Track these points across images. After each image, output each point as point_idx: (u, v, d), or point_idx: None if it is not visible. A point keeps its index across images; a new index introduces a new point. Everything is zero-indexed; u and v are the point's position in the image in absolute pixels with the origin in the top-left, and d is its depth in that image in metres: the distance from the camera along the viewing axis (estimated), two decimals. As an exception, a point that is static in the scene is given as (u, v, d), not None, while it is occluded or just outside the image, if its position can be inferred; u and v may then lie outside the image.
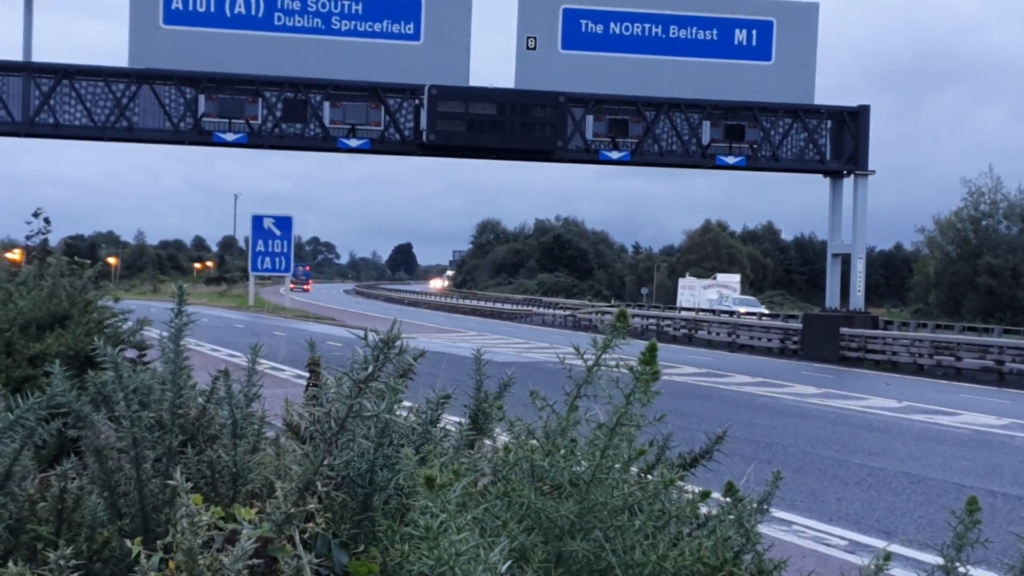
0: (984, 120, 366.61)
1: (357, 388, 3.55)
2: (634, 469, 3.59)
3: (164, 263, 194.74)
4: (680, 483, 3.52)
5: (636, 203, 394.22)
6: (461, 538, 2.64)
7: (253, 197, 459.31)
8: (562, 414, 3.40)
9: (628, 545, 3.21)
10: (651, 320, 79.94)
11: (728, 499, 3.55)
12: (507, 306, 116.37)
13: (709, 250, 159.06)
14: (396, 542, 3.23)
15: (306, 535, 3.30)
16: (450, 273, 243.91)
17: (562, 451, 3.30)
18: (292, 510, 3.30)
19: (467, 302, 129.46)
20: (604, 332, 3.44)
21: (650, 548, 3.17)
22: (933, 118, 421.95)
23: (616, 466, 3.28)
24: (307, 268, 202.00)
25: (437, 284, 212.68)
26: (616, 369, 3.37)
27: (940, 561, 3.49)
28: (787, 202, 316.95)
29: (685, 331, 73.79)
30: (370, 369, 3.57)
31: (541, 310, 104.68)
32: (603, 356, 3.39)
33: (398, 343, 3.62)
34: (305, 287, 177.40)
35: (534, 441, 3.42)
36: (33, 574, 3.15)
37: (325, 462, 3.49)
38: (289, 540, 3.24)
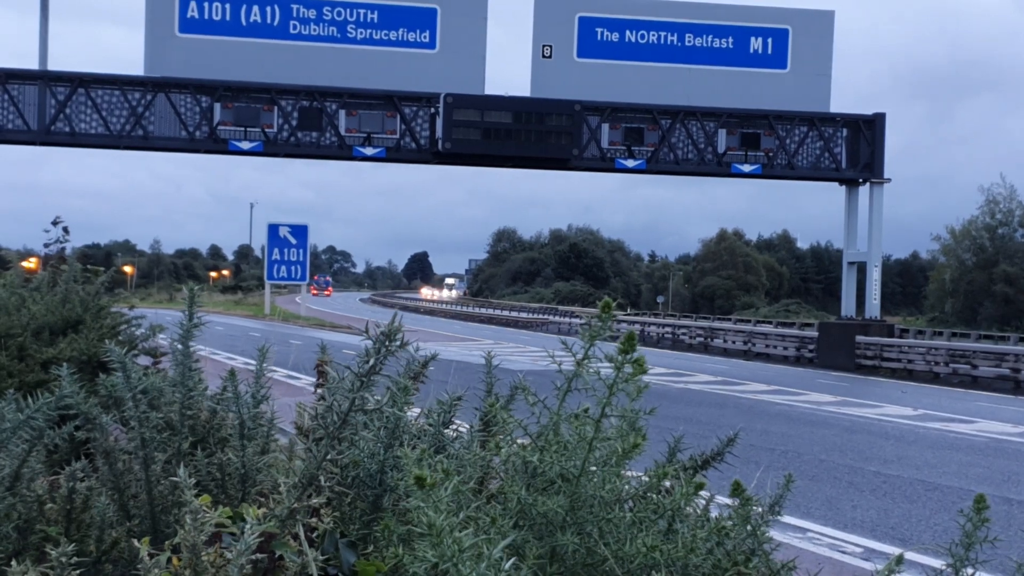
0: (1016, 128, 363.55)
1: (359, 381, 3.54)
2: (639, 472, 3.57)
3: (180, 272, 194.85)
4: (684, 482, 3.50)
5: (658, 212, 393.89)
6: (464, 535, 2.63)
7: (275, 207, 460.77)
8: (553, 409, 3.39)
9: (620, 538, 3.20)
10: (667, 328, 79.85)
11: (737, 499, 3.54)
12: (523, 315, 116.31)
13: (725, 258, 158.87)
14: (393, 542, 3.22)
15: (314, 534, 3.29)
16: (450, 281, 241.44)
17: (554, 447, 3.28)
18: (295, 505, 3.29)
19: (483, 311, 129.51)
20: (591, 331, 3.43)
21: (640, 541, 3.16)
22: (965, 125, 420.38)
23: (612, 460, 3.26)
24: (327, 278, 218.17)
25: (428, 292, 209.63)
26: (601, 361, 3.37)
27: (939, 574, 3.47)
28: (809, 210, 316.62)
29: (701, 339, 73.66)
30: (371, 362, 3.55)
31: (557, 319, 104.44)
32: (592, 349, 3.38)
33: (399, 335, 3.61)
34: (326, 293, 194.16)
35: (526, 438, 3.41)
36: (38, 572, 3.15)
37: (328, 456, 3.47)
38: (294, 537, 3.23)
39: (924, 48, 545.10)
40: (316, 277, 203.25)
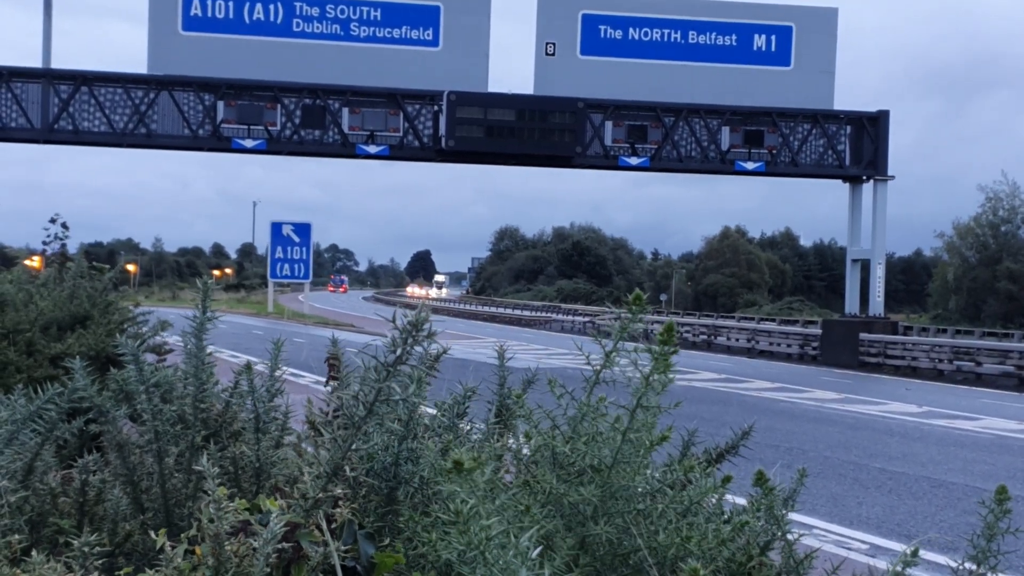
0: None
1: (386, 371, 3.52)
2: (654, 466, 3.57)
3: (183, 270, 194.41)
4: (703, 474, 3.50)
5: (666, 210, 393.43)
6: (492, 522, 2.61)
7: (282, 205, 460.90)
8: (582, 400, 3.38)
9: (651, 529, 3.19)
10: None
11: (759, 488, 3.53)
12: (526, 313, 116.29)
13: (728, 256, 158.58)
14: (417, 532, 3.21)
15: (332, 526, 3.28)
16: (440, 278, 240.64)
17: (583, 437, 3.28)
18: (320, 495, 3.28)
19: (486, 309, 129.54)
20: (622, 323, 3.43)
21: (674, 532, 3.15)
22: (979, 123, 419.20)
23: (640, 452, 3.25)
24: (343, 277, 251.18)
25: (413, 291, 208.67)
26: (635, 352, 3.36)
27: (961, 564, 3.45)
28: (817, 208, 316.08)
29: (704, 337, 73.67)
30: (399, 352, 3.54)
31: (560, 316, 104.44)
32: (620, 342, 3.38)
33: (426, 326, 3.60)
34: (341, 289, 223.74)
35: (555, 428, 3.40)
36: (56, 562, 3.14)
37: (353, 446, 3.46)
38: (317, 527, 3.22)
39: (939, 46, 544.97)
40: (333, 276, 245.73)
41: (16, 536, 3.40)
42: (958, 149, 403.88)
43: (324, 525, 3.22)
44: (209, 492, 3.13)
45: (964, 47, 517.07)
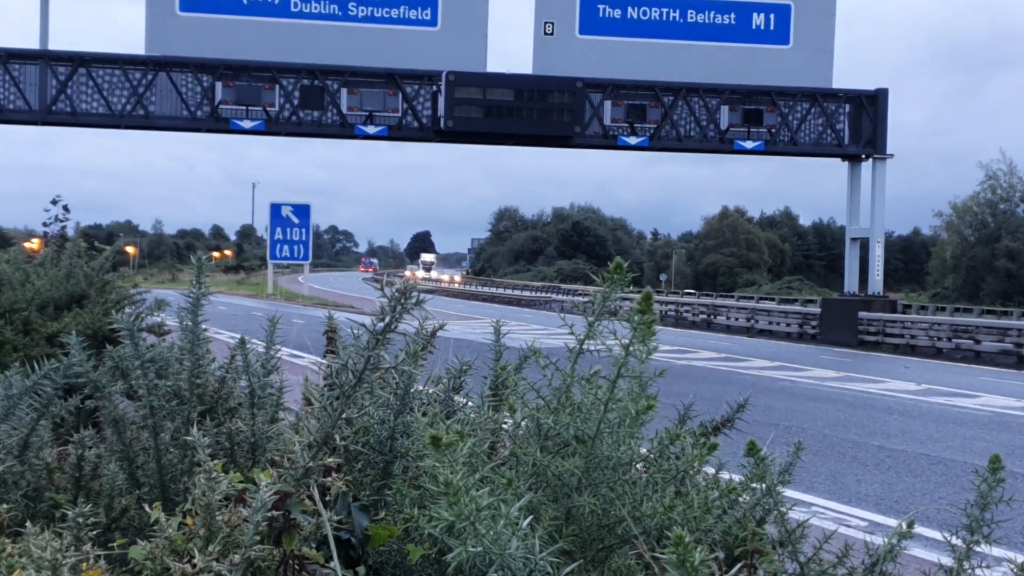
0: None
1: (375, 339, 3.52)
2: (649, 442, 3.56)
3: (182, 252, 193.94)
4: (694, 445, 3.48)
5: (673, 189, 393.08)
6: (481, 493, 2.61)
7: (287, 186, 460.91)
8: (566, 371, 3.37)
9: (636, 499, 3.18)
10: (670, 306, 79.71)
11: (751, 458, 3.52)
12: (526, 293, 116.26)
13: (727, 236, 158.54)
14: (405, 506, 3.21)
15: (326, 497, 3.28)
16: (428, 258, 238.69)
17: (568, 408, 3.27)
18: (310, 463, 3.27)
19: (486, 289, 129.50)
20: (605, 291, 3.42)
21: (657, 501, 3.15)
22: (997, 101, 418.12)
23: (625, 422, 3.25)
24: (373, 259, 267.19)
25: (410, 273, 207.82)
26: (618, 322, 3.35)
27: (955, 534, 3.45)
28: (819, 187, 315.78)
29: (704, 316, 73.63)
30: (387, 319, 3.53)
31: (560, 297, 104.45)
32: (601, 316, 3.37)
33: (415, 294, 3.59)
34: (370, 270, 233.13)
35: (540, 400, 3.39)
36: (52, 532, 3.14)
37: (344, 415, 3.46)
38: (309, 497, 3.21)
39: (962, 21, 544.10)
40: (364, 259, 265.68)
41: (5, 505, 3.40)
42: (973, 126, 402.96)
43: (317, 496, 3.22)
44: (201, 463, 3.13)
45: (987, 23, 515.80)
